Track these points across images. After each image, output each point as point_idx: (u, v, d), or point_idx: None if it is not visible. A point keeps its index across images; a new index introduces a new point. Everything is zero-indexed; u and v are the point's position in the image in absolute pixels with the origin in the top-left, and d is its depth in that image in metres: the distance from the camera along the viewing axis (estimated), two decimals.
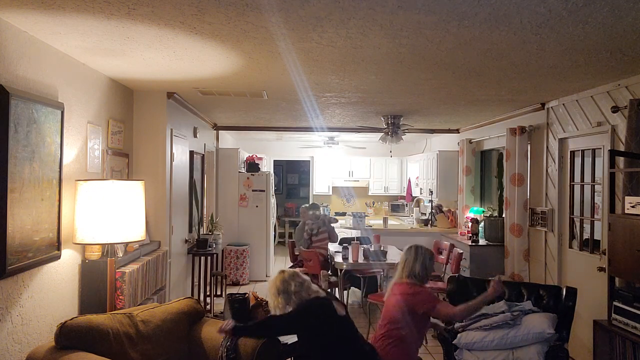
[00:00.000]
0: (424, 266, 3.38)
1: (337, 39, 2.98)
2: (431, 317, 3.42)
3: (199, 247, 6.02)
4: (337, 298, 3.29)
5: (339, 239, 6.98)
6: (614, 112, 4.09)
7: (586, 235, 4.66)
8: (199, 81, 4.38)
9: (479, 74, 3.91)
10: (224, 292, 6.90)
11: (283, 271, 3.21)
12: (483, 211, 7.03)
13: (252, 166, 8.50)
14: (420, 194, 9.54)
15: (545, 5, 2.40)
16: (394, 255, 6.31)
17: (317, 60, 3.50)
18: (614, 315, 3.53)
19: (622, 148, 3.89)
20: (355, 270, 6.24)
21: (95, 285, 3.57)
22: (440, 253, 6.60)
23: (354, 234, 8.18)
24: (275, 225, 10.28)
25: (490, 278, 3.32)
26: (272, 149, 11.32)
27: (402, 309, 3.27)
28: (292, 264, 6.95)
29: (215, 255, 6.26)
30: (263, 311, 4.07)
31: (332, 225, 6.78)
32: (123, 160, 4.50)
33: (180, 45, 3.15)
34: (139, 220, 3.33)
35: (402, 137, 6.62)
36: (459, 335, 3.76)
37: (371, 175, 11.50)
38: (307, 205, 7.10)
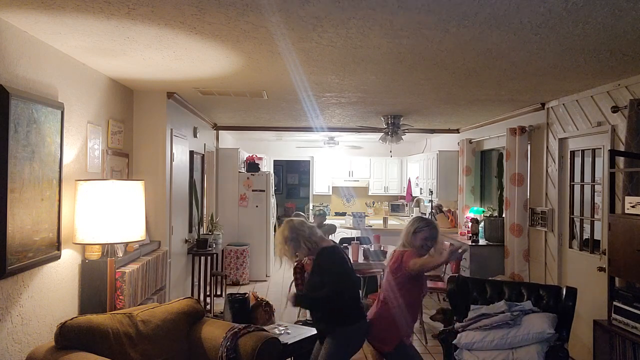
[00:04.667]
0: (410, 233, 3.33)
1: (337, 39, 2.98)
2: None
3: (199, 247, 6.02)
4: None
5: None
6: (614, 112, 4.09)
7: (586, 235, 4.66)
8: (199, 81, 4.38)
9: (479, 74, 3.90)
10: (224, 292, 6.90)
11: (291, 220, 3.28)
12: (483, 211, 7.02)
13: (252, 166, 8.50)
14: (420, 194, 9.54)
15: (545, 5, 2.40)
16: None
17: (317, 60, 3.50)
18: (614, 315, 3.53)
19: (622, 148, 3.89)
20: (355, 270, 6.23)
21: (95, 285, 3.56)
22: (440, 253, 6.59)
23: (354, 234, 8.19)
24: (275, 225, 10.27)
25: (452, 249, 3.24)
26: (272, 149, 11.32)
27: (387, 276, 3.29)
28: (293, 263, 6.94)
29: (215, 255, 6.26)
30: (263, 311, 4.07)
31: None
32: (123, 160, 4.49)
33: (180, 45, 3.15)
34: (139, 220, 3.33)
35: (402, 137, 6.62)
36: (459, 335, 3.77)
37: (371, 175, 11.49)
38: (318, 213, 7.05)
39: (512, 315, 3.64)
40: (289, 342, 3.55)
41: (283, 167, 13.34)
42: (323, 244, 3.23)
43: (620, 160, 3.89)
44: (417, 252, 3.25)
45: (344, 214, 10.84)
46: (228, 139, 9.46)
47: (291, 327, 3.89)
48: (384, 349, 3.24)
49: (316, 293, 3.15)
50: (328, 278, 3.12)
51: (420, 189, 9.54)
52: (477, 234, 6.61)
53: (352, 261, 5.76)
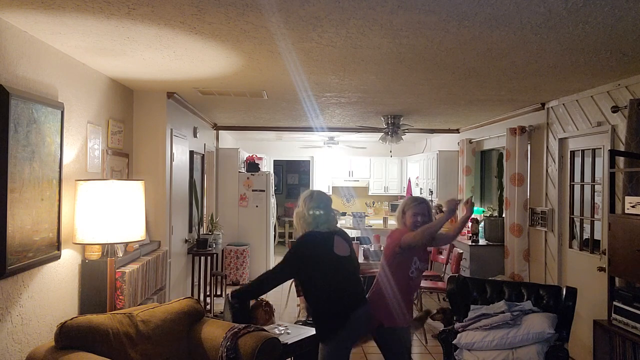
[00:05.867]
0: (400, 213, 3.29)
1: (337, 39, 2.98)
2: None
3: (199, 247, 6.03)
4: (346, 235, 3.16)
5: None
6: (614, 112, 4.09)
7: (586, 235, 4.66)
8: (199, 81, 4.38)
9: (479, 74, 3.90)
10: (224, 292, 6.90)
11: (311, 192, 3.12)
12: (483, 211, 7.02)
13: (252, 166, 8.50)
14: (421, 193, 9.53)
15: (545, 5, 2.40)
16: None
17: (317, 60, 3.50)
18: (614, 315, 3.53)
19: (622, 148, 3.89)
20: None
21: (95, 285, 3.56)
22: (440, 253, 6.60)
23: (354, 234, 8.19)
24: (275, 225, 10.28)
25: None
26: (272, 149, 11.32)
27: (384, 255, 3.23)
28: None
29: (215, 255, 6.26)
30: (263, 311, 4.07)
31: None
32: (123, 160, 4.49)
33: (180, 45, 3.15)
34: (139, 220, 3.33)
35: (402, 137, 6.63)
36: (459, 335, 3.77)
37: (371, 175, 11.50)
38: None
39: (512, 315, 3.64)
40: (289, 342, 3.54)
41: (283, 167, 13.34)
42: (310, 229, 2.99)
43: (620, 160, 3.89)
44: (411, 230, 3.18)
45: (344, 214, 10.82)
46: (228, 139, 9.46)
47: (291, 327, 3.89)
48: (378, 324, 3.15)
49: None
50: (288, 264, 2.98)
51: (420, 189, 9.54)
52: (477, 234, 6.61)
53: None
